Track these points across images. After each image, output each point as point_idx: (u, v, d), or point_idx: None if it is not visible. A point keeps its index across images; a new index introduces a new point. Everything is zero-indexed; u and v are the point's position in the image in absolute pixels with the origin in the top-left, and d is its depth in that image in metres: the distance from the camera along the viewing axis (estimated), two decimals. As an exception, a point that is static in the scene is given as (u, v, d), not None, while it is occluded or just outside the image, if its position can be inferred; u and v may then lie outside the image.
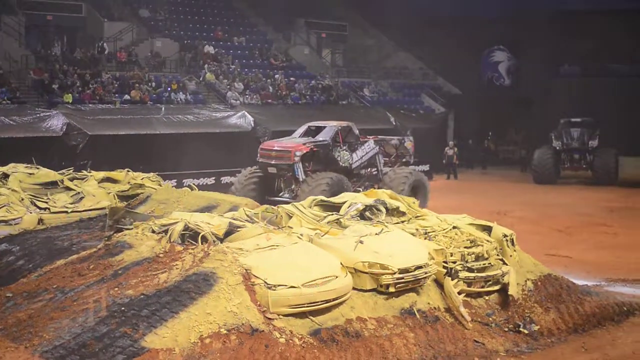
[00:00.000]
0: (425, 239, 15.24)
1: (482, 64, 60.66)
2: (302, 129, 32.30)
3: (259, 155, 30.54)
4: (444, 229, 15.77)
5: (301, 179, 29.42)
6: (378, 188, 29.40)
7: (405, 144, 34.42)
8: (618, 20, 48.72)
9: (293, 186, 29.92)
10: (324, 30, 60.15)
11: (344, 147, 31.20)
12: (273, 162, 29.90)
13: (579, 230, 28.65)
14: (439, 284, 14.40)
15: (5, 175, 22.11)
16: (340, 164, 30.82)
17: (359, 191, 27.46)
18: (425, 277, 13.85)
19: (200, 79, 46.49)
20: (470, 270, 14.79)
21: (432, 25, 53.24)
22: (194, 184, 27.52)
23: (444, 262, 14.50)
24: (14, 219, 19.45)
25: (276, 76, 49.67)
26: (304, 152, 29.93)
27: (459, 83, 57.52)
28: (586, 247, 25.44)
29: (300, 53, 55.87)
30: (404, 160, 34.32)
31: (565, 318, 15.37)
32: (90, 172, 24.12)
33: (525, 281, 15.84)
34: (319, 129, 31.80)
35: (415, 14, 54.10)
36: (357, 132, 32.42)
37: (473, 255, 14.97)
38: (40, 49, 44.12)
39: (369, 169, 32.59)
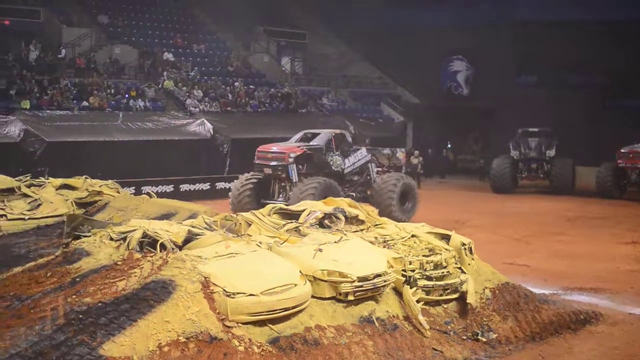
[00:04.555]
0: (384, 247, 15.29)
1: (441, 73, 60.90)
2: (298, 135, 33.28)
3: (256, 157, 31.25)
4: (402, 238, 15.82)
5: (294, 180, 30.36)
6: (370, 194, 31.88)
7: (397, 155, 35.41)
8: (575, 30, 49.12)
9: (287, 188, 30.72)
10: (284, 39, 60.29)
11: (337, 153, 32.25)
12: (269, 164, 30.71)
13: (536, 239, 28.82)
14: (398, 293, 14.43)
15: (-38, 182, 21.94)
16: (333, 168, 31.85)
17: (351, 196, 28.50)
18: (384, 286, 13.88)
19: (159, 86, 46.37)
20: (428, 278, 14.84)
21: (391, 35, 53.49)
22: (152, 191, 27.45)
23: (402, 270, 14.54)
24: (-30, 226, 19.33)
25: (235, 84, 49.64)
26: (298, 154, 30.89)
27: (418, 92, 57.80)
28: (543, 255, 25.60)
29: (259, 61, 55.90)
30: (395, 170, 34.84)
31: (523, 326, 15.47)
32: (47, 179, 23.98)
33: (484, 289, 15.92)
34: (314, 136, 32.89)
35: (375, 23, 54.34)
36: (350, 139, 33.66)
37: (432, 264, 15.02)
38: (-3, 54, 43.78)
39: (361, 176, 33.19)
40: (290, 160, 30.62)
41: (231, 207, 30.36)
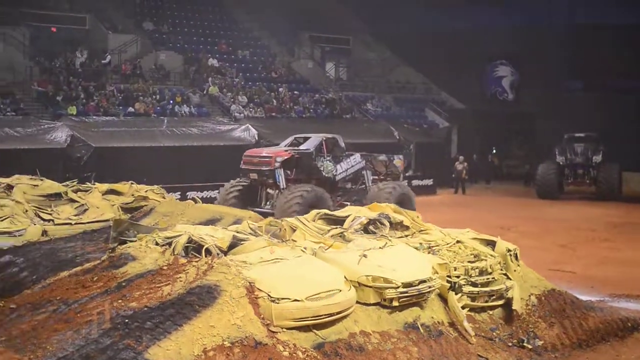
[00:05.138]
0: (429, 253, 15.21)
1: (486, 78, 60.65)
2: (288, 140, 32.39)
3: (242, 162, 30.48)
4: (447, 243, 15.74)
5: (282, 186, 29.42)
6: (363, 203, 29.13)
7: (394, 162, 34.20)
8: (622, 34, 48.77)
9: (275, 195, 30.02)
10: (328, 44, 60.35)
11: (328, 158, 31.12)
12: (255, 169, 29.91)
13: (582, 246, 28.59)
14: (443, 299, 14.35)
15: (10, 187, 22.14)
16: (324, 174, 30.79)
17: (345, 205, 27.39)
18: (429, 292, 13.81)
19: (204, 92, 46.61)
20: (474, 284, 14.75)
21: (436, 40, 53.36)
22: (197, 196, 27.57)
23: (447, 276, 14.45)
24: (18, 231, 19.48)
25: (280, 90, 49.74)
26: (285, 158, 29.93)
27: (462, 98, 57.59)
28: (590, 262, 25.38)
29: (304, 67, 56.00)
30: (392, 178, 33.90)
31: (569, 333, 15.32)
32: (94, 184, 24.16)
33: (529, 296, 15.79)
34: (306, 140, 31.91)
35: (420, 28, 54.25)
36: (342, 144, 32.36)
37: (477, 270, 14.93)
38: (45, 61, 44.21)
39: (355, 184, 32.38)
40: (277, 164, 29.58)
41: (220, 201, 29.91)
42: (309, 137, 32.02)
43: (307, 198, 28.05)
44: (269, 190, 30.43)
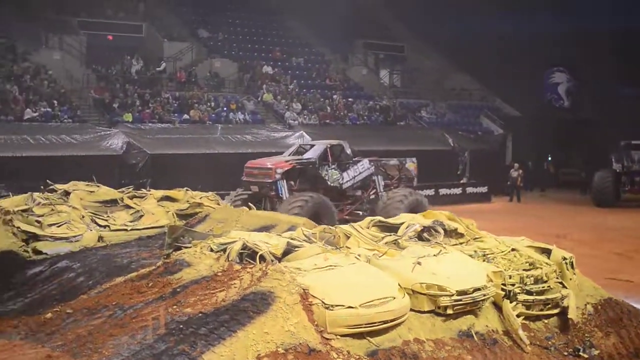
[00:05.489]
0: (483, 261, 15.12)
1: (542, 85, 60.22)
2: (292, 148, 31.68)
3: (244, 174, 29.70)
4: (502, 251, 15.62)
5: (285, 198, 28.31)
6: (375, 213, 27.85)
7: (407, 166, 32.90)
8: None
9: (279, 206, 28.41)
10: (382, 51, 60.34)
11: (333, 166, 29.90)
12: (255, 181, 29.01)
13: (639, 254, 28.27)
14: (498, 307, 14.24)
15: (67, 193, 22.42)
16: (329, 183, 29.66)
17: (357, 214, 27.46)
18: (483, 300, 13.72)
19: (259, 99, 46.83)
20: (529, 293, 14.62)
21: (491, 46, 53.12)
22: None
23: (502, 284, 14.34)
24: (74, 236, 19.73)
25: (334, 97, 49.80)
26: (286, 169, 28.88)
27: (517, 105, 57.23)
28: (647, 271, 25.11)
29: (358, 73, 56.08)
30: (406, 182, 32.64)
31: (626, 343, 15.13)
32: (149, 191, 24.39)
33: (585, 305, 15.62)
34: (311, 148, 31.01)
35: (475, 34, 54.03)
36: (349, 151, 31.12)
37: (532, 278, 14.79)
38: (101, 69, 44.71)
39: (366, 191, 31.23)
40: (278, 176, 28.53)
41: None
42: (314, 145, 31.15)
43: (307, 207, 26.96)
44: (273, 201, 29.28)
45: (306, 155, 30.02)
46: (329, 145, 30.50)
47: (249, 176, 29.29)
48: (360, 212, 29.16)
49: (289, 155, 30.69)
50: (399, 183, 32.18)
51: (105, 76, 44.24)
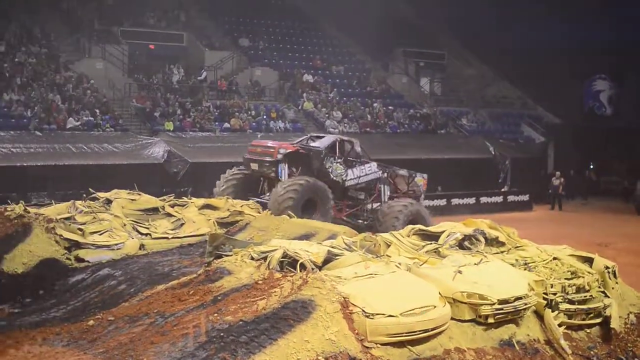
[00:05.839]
0: (524, 269, 15.05)
1: (584, 93, 59.80)
2: (303, 137, 30.32)
3: (247, 151, 28.50)
4: (544, 260, 15.55)
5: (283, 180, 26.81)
6: (371, 222, 27.62)
7: (416, 180, 30.74)
8: None
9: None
10: (422, 59, 60.15)
11: (339, 160, 28.02)
12: (256, 159, 27.60)
13: (683, 263, 27.98)
14: (539, 316, 14.17)
15: (109, 201, 22.59)
16: (332, 176, 27.63)
17: (358, 224, 26.44)
18: (524, 309, 13.66)
19: (299, 107, 46.85)
20: (571, 302, 14.54)
21: (532, 54, 52.87)
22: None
23: (544, 293, 14.28)
24: (116, 244, 19.87)
25: (374, 105, 49.75)
26: (289, 150, 27.38)
27: (559, 112, 56.82)
28: (691, 280, 24.81)
29: (398, 82, 55.96)
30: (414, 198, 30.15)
31: (669, 353, 15.02)
32: (190, 199, 24.51)
33: (628, 314, 15.51)
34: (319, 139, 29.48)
35: (514, 42, 53.78)
36: (359, 149, 29.24)
37: (574, 287, 14.72)
38: (143, 78, 45.00)
39: (369, 196, 29.10)
40: (280, 157, 26.92)
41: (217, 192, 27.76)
42: (324, 137, 29.98)
43: (304, 191, 25.56)
44: (271, 183, 27.62)
45: (314, 144, 28.65)
46: (339, 139, 29.03)
47: (251, 154, 28.05)
48: (360, 220, 28.17)
49: (297, 141, 29.46)
50: (405, 196, 29.82)
51: (147, 85, 44.51)
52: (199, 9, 53.51)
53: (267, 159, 27.11)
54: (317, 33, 57.71)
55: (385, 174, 29.46)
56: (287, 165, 27.04)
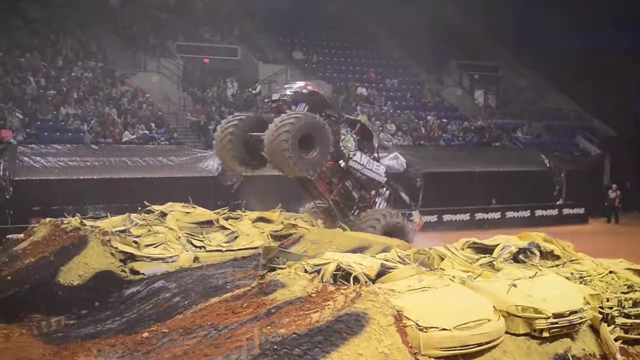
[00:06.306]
0: (580, 283, 14.92)
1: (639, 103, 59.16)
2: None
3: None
4: (599, 274, 15.41)
5: None
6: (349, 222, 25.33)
7: (413, 214, 28.68)
8: None
9: None
10: (477, 72, 59.95)
11: (354, 136, 25.89)
12: (279, 94, 25.47)
13: None
14: (595, 330, 14.03)
15: (163, 214, 22.79)
16: (341, 144, 25.31)
17: (348, 222, 24.60)
18: (580, 323, 13.53)
19: (353, 120, 46.83)
20: (627, 316, 14.37)
21: (587, 65, 52.43)
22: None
23: (599, 307, 14.14)
24: (171, 257, 20.07)
25: (428, 117, 49.64)
26: (315, 90, 25.49)
27: (615, 124, 56.27)
28: None
29: (452, 94, 55.80)
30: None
31: None
32: (244, 212, 24.60)
33: (686, 329, 15.30)
34: None
35: (569, 53, 53.42)
36: (377, 144, 27.50)
37: (630, 301, 14.54)
38: (197, 91, 45.33)
39: (362, 196, 26.67)
40: (306, 91, 24.88)
41: (214, 148, 26.51)
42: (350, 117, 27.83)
43: (300, 126, 23.00)
44: None
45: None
46: (362, 122, 27.38)
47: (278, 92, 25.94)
48: (347, 218, 25.87)
49: None
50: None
51: (201, 99, 44.80)
52: (253, 23, 53.82)
53: (288, 92, 25.02)
54: (371, 46, 57.72)
55: (388, 191, 27.59)
56: (307, 106, 24.72)
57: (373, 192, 26.99)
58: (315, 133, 23.38)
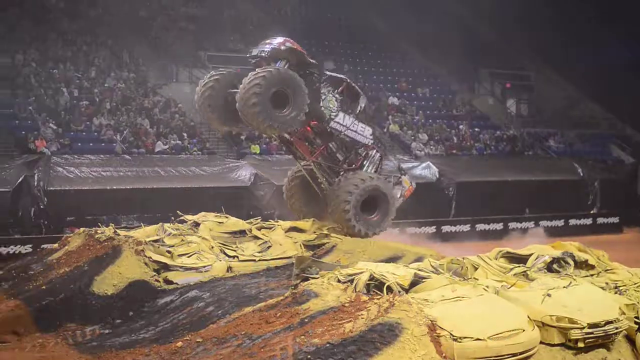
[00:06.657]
0: (615, 293, 14.83)
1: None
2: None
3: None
4: (635, 283, 15.32)
5: None
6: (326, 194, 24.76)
7: (402, 180, 27.29)
8: None
9: None
10: (509, 80, 59.72)
11: (337, 96, 24.68)
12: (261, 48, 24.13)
13: None
14: (630, 340, 13.92)
15: (197, 224, 22.88)
16: (321, 104, 24.09)
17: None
18: (615, 333, 13.43)
19: (385, 129, 46.78)
20: (663, 326, 14.28)
21: (619, 73, 52.18)
22: (378, 235, 27.57)
23: (635, 317, 14.04)
24: (204, 267, 20.14)
25: (460, 127, 49.53)
26: (293, 47, 24.14)
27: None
28: None
29: (484, 103, 55.66)
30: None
31: None
32: (277, 222, 24.61)
33: None
34: None
35: (602, 61, 53.19)
36: (363, 105, 25.89)
37: (667, 311, 14.45)
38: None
39: (347, 158, 25.47)
40: (284, 48, 23.76)
41: (196, 105, 25.20)
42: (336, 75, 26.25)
43: (271, 80, 22.10)
44: None
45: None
46: (348, 81, 25.79)
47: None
48: (324, 179, 25.12)
49: None
50: None
51: (234, 109, 44.97)
52: (286, 34, 53.82)
53: (267, 48, 23.90)
54: (403, 55, 57.67)
55: (378, 154, 26.22)
56: (287, 63, 23.64)
57: (362, 154, 25.78)
58: (290, 90, 22.41)
